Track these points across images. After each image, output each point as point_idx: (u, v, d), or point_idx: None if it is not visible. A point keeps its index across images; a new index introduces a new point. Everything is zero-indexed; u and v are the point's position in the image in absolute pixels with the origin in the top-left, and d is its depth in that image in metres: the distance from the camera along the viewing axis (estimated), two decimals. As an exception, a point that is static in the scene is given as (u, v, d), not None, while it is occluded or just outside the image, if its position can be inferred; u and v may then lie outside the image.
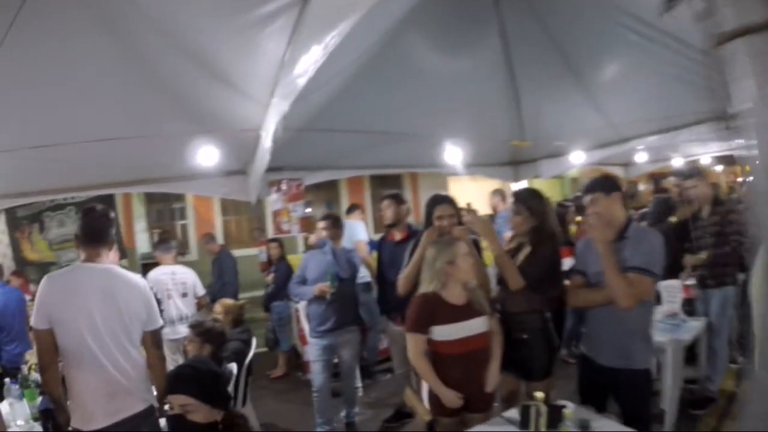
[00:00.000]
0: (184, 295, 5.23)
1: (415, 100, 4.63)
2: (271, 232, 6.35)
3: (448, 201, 3.26)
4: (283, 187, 5.92)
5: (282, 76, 3.20)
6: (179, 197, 9.70)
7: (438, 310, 2.75)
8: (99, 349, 2.44)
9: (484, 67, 4.73)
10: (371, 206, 11.17)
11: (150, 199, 9.56)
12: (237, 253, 7.17)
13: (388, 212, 3.93)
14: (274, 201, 6.01)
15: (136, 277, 2.68)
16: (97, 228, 2.56)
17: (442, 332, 2.73)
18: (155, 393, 2.69)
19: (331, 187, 10.80)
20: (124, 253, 7.89)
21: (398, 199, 4.07)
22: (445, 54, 4.32)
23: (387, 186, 11.21)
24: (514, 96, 5.32)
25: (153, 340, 2.68)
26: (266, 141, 4.57)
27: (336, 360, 4.03)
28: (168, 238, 5.66)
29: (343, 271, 3.78)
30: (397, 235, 3.91)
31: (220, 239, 8.07)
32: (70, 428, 2.45)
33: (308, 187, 6.04)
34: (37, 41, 2.49)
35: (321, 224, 3.95)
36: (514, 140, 5.96)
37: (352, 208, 6.44)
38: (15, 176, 4.09)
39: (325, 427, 3.94)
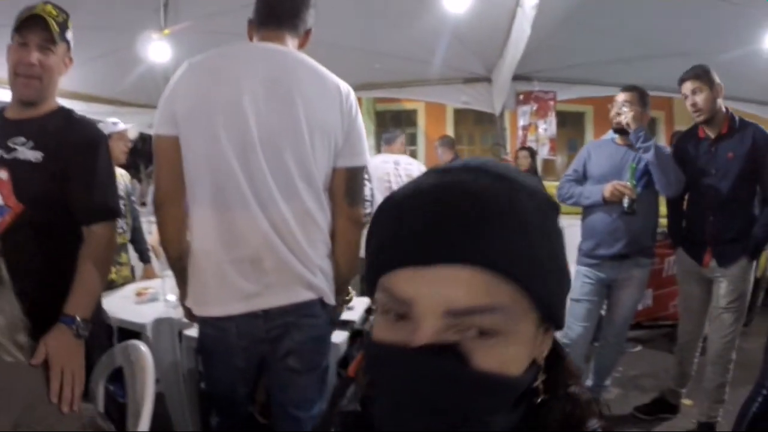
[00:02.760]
0: None
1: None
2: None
3: None
4: (533, 99, 4.90)
5: None
6: (410, 120, 9.34)
7: None
8: (246, 178, 1.32)
9: None
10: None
11: (380, 119, 9.36)
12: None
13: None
14: (521, 115, 5.05)
15: (334, 76, 1.45)
16: (279, 1, 1.47)
17: None
18: (333, 282, 1.48)
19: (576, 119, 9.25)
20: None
21: None
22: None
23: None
24: None
25: (348, 186, 1.44)
26: (519, 30, 3.70)
27: (604, 306, 2.75)
28: (398, 130, 4.72)
29: (653, 170, 2.39)
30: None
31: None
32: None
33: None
34: None
35: (623, 96, 2.54)
36: None
37: None
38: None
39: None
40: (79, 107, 4.05)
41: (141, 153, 10.87)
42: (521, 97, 4.99)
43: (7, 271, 1.13)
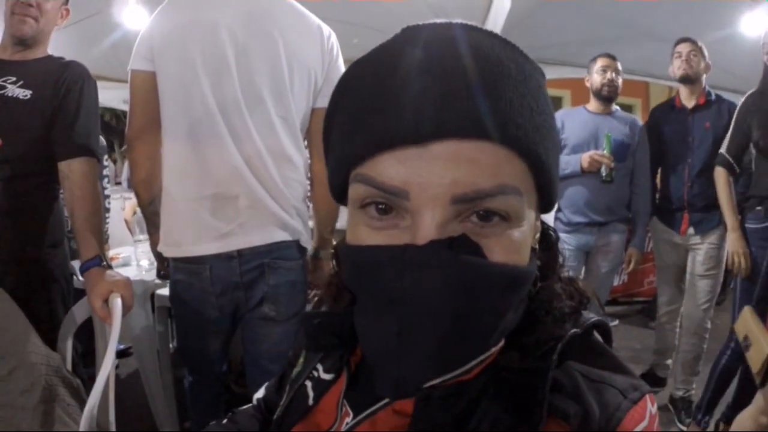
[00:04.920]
0: None
1: None
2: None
3: None
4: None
5: None
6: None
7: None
8: (219, 109, 1.26)
9: None
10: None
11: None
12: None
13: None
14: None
15: (315, 17, 1.39)
16: None
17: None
18: (312, 225, 1.48)
19: (555, 103, 9.32)
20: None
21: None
22: None
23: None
24: None
25: None
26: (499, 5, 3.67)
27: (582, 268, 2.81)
28: None
29: (626, 136, 2.47)
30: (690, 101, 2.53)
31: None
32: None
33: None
34: None
35: (599, 62, 2.55)
36: None
37: None
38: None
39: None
40: None
41: (115, 131, 10.64)
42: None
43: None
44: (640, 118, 2.67)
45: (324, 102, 1.34)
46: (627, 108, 9.75)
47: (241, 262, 1.29)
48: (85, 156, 1.40)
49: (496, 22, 3.95)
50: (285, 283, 1.33)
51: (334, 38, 1.40)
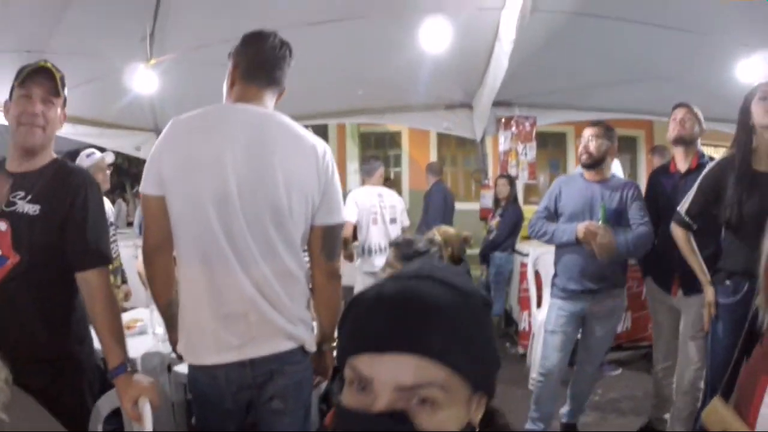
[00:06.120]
0: (393, 221, 4.26)
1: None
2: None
3: None
4: (513, 124, 5.04)
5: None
6: (394, 143, 9.47)
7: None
8: (226, 238, 1.40)
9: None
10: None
11: (364, 142, 9.48)
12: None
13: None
14: (502, 140, 5.19)
15: (310, 134, 1.55)
16: (265, 58, 1.54)
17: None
18: (315, 331, 1.63)
19: (558, 139, 9.43)
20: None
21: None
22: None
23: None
24: None
25: (325, 243, 1.53)
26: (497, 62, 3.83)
27: (579, 335, 2.94)
28: (374, 159, 4.82)
29: (620, 203, 2.56)
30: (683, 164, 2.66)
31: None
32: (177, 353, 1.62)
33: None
34: None
35: (590, 131, 2.61)
36: None
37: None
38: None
39: (539, 425, 2.79)
40: (66, 129, 4.11)
41: (127, 173, 10.89)
42: (502, 122, 5.12)
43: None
44: (643, 149, 2.79)
45: (322, 220, 1.51)
46: (630, 140, 9.73)
47: (253, 368, 1.42)
48: (97, 267, 1.52)
49: (496, 77, 4.12)
50: (292, 384, 1.47)
51: (329, 155, 1.53)
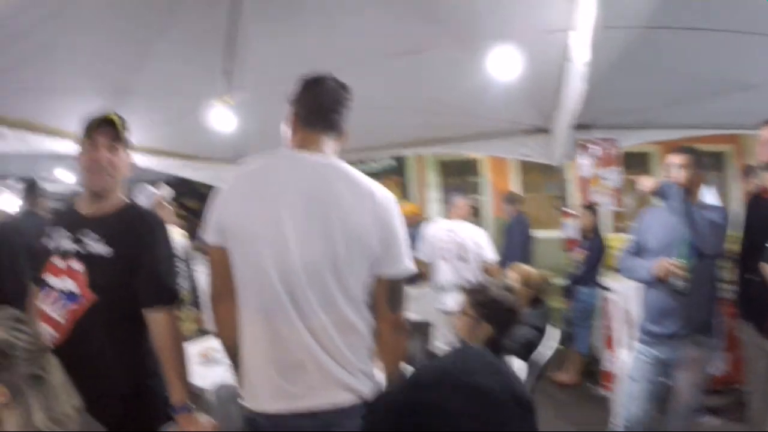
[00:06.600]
0: (462, 258, 4.11)
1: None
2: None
3: None
4: (594, 148, 4.81)
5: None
6: (475, 170, 9.35)
7: None
8: (286, 292, 1.43)
9: None
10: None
11: (444, 170, 9.45)
12: (535, 235, 6.26)
13: None
14: (582, 166, 4.96)
15: (370, 181, 1.54)
16: (325, 102, 1.54)
17: None
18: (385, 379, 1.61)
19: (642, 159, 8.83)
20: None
21: None
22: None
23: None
24: None
25: (389, 295, 1.52)
26: (572, 84, 3.69)
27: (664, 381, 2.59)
28: (454, 191, 4.72)
29: (704, 243, 2.25)
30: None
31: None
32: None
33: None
34: None
35: (677, 159, 2.46)
36: None
37: None
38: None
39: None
40: (149, 162, 4.50)
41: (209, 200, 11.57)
42: (582, 145, 4.91)
43: (74, 356, 1.31)
44: (733, 167, 2.57)
45: (385, 271, 1.51)
46: (716, 155, 8.91)
47: (312, 419, 1.43)
48: (165, 306, 1.65)
49: (572, 99, 3.97)
50: None
51: (388, 202, 1.53)
